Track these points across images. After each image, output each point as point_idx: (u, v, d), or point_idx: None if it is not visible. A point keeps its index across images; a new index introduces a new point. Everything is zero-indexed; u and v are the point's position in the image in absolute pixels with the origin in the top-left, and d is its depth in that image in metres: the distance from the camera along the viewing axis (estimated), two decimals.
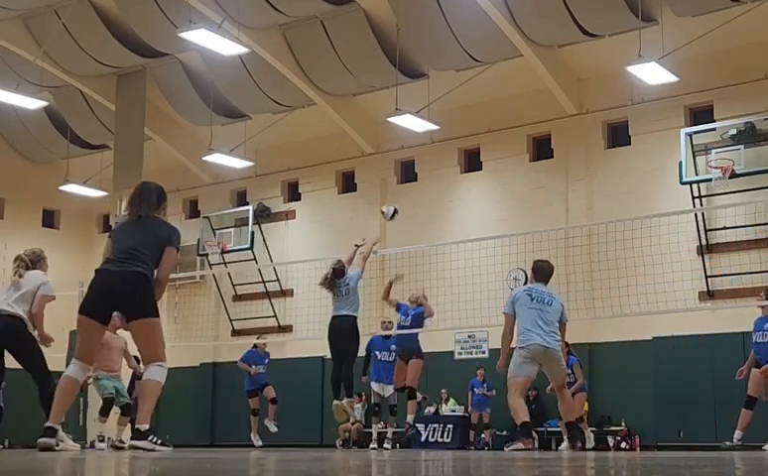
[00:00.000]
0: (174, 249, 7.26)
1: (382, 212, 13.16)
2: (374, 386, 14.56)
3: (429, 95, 19.25)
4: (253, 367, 16.42)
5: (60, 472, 4.33)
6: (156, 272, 7.19)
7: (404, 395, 13.95)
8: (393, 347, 14.17)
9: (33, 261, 10.29)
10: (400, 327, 13.90)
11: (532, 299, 9.95)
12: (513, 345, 9.97)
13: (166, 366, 7.32)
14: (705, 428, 16.45)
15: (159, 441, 7.36)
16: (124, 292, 7.02)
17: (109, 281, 7.07)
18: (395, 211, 13.08)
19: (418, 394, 14.66)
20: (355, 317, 12.70)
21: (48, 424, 7.28)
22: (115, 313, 7.28)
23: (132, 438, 7.47)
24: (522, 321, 9.87)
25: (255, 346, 16.99)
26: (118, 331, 12.61)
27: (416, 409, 13.62)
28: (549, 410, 18.78)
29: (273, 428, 16.33)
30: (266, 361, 16.73)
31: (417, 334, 13.74)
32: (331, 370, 13.01)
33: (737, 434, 12.73)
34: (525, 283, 19.19)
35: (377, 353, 14.46)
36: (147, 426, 7.24)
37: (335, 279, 12.71)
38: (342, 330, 12.61)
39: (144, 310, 7.08)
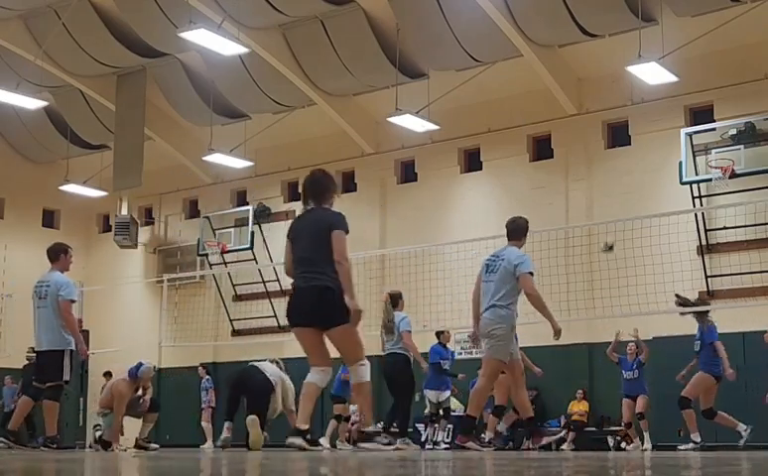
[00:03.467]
0: (340, 231, 7.45)
1: None
2: (429, 393, 14.84)
3: (429, 95, 19.24)
4: (342, 373, 15.95)
5: (62, 472, 4.32)
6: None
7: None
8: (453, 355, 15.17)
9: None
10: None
11: (487, 271, 9.60)
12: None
13: (367, 363, 7.62)
14: (705, 428, 16.43)
15: (389, 442, 7.66)
16: (315, 309, 7.47)
17: (301, 299, 7.61)
18: None
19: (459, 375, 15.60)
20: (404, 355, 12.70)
21: (298, 426, 7.68)
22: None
23: (358, 441, 7.92)
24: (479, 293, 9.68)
25: None
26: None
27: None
28: (549, 410, 18.78)
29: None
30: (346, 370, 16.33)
31: None
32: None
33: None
34: None
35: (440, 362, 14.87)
36: (372, 428, 7.68)
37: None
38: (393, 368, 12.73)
39: (335, 320, 7.44)
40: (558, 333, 9.26)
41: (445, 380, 15.16)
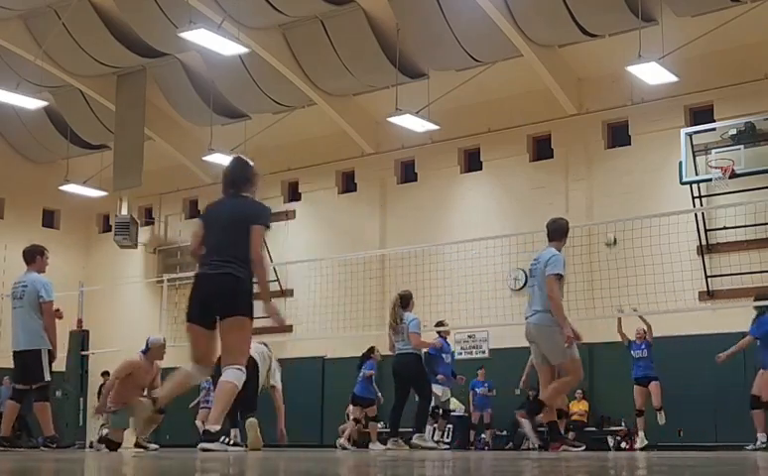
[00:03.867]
0: (260, 227, 7.10)
1: None
2: (436, 388, 14.75)
3: (429, 95, 19.25)
4: (366, 370, 15.99)
5: (60, 472, 4.32)
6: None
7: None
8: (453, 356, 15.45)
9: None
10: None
11: (530, 276, 9.63)
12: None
13: (243, 371, 7.18)
14: (706, 428, 16.45)
15: (230, 442, 7.23)
16: (220, 297, 7.01)
17: (206, 287, 7.09)
18: None
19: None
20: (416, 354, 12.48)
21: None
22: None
23: (203, 440, 7.31)
24: None
25: (371, 356, 16.22)
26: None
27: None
28: None
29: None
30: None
31: None
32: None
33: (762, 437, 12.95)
34: (525, 283, 19.21)
35: (442, 356, 14.86)
36: (218, 428, 7.13)
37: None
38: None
39: (236, 309, 7.04)
40: (568, 340, 9.21)
41: (447, 372, 15.14)
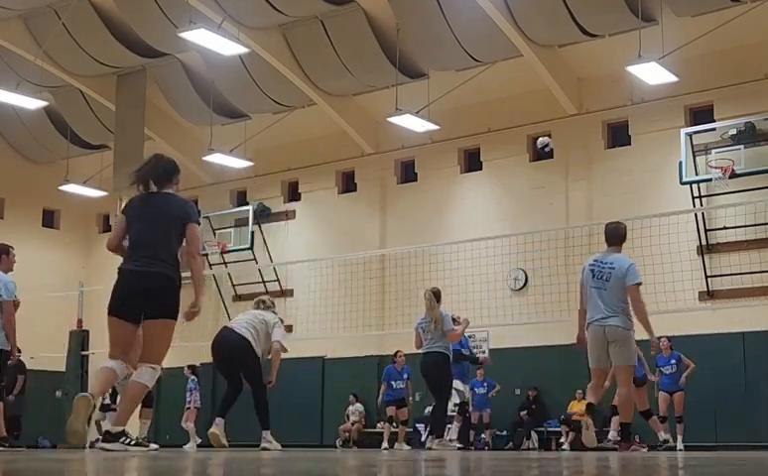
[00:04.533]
0: (196, 225, 7.06)
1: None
2: (458, 384, 14.54)
3: (429, 95, 19.25)
4: (393, 383, 15.98)
5: (58, 472, 4.32)
6: (183, 256, 7.05)
7: None
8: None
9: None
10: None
11: (593, 277, 9.37)
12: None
13: (158, 370, 7.12)
14: (706, 428, 16.44)
15: (131, 441, 7.11)
16: (151, 293, 6.89)
17: (135, 281, 6.94)
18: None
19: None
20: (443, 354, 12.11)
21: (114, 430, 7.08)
22: None
23: (102, 441, 7.16)
24: (586, 300, 9.45)
25: (394, 360, 16.18)
26: None
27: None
28: (549, 410, 18.79)
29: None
30: (405, 376, 16.07)
31: None
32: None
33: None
34: (525, 283, 19.22)
35: (462, 351, 14.84)
36: (120, 429, 7.01)
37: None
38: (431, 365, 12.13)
39: (164, 311, 6.96)
40: (655, 348, 9.17)
41: (464, 369, 15.10)
